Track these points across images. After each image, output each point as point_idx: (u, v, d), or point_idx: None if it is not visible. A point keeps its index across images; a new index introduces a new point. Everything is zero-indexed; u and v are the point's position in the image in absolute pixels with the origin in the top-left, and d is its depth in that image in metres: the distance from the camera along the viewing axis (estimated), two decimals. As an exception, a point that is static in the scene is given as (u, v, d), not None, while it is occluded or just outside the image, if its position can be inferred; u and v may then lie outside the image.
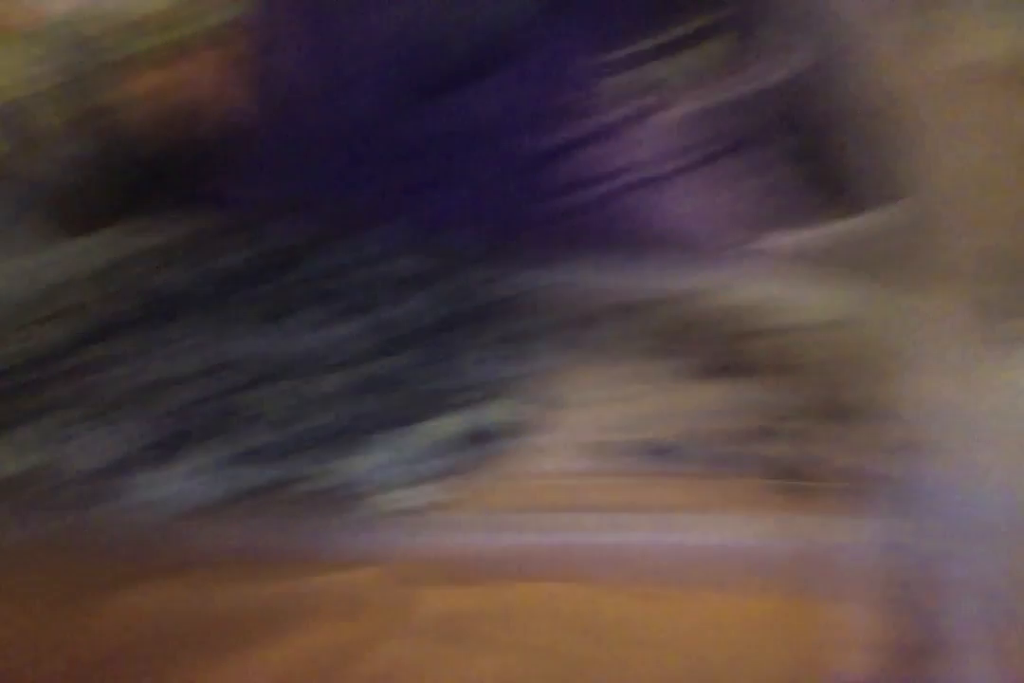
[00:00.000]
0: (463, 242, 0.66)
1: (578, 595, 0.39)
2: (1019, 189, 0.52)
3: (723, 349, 0.59)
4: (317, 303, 0.58)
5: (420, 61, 0.69)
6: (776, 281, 0.67)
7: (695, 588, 0.41)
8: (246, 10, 0.73)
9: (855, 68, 0.60)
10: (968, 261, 0.49)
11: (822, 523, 0.44)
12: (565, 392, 0.53)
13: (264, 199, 0.78)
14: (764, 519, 0.43)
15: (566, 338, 0.58)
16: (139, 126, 0.83)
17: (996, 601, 0.38)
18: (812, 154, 0.64)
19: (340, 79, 0.68)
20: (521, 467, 0.48)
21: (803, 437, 0.51)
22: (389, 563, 0.40)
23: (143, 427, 0.46)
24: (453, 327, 0.58)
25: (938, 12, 0.57)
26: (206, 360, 0.52)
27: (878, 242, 0.55)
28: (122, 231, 0.66)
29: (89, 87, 0.81)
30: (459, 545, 0.42)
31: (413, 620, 0.38)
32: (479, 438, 0.49)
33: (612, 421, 0.51)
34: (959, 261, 0.49)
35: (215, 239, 0.65)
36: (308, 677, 0.36)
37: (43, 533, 0.41)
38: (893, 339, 0.50)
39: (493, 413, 0.51)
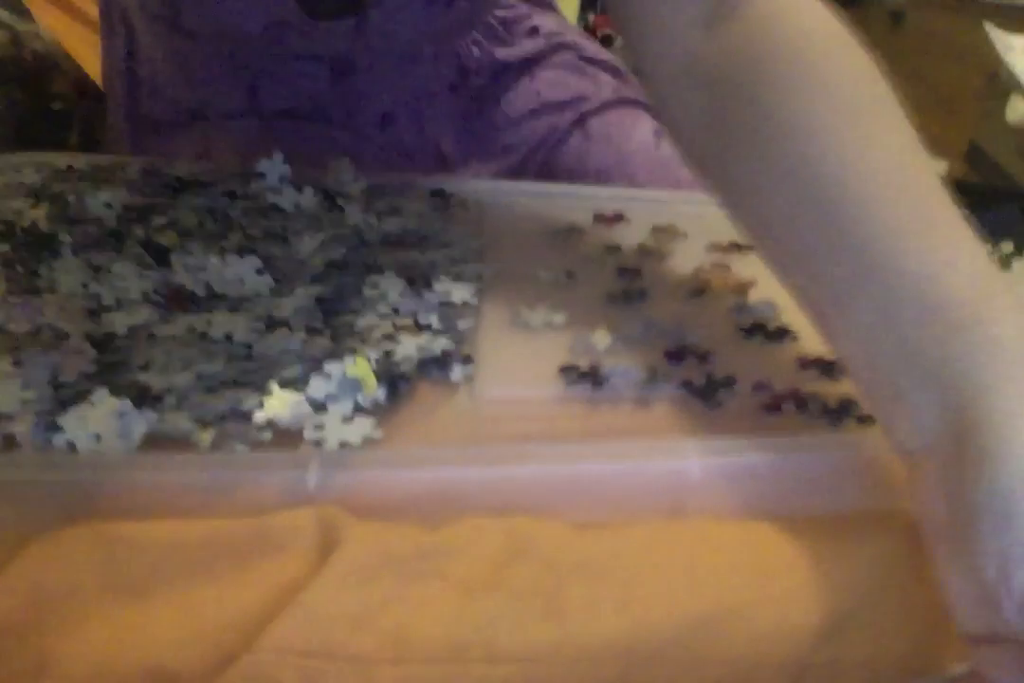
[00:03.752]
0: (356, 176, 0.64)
1: (522, 527, 0.39)
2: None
3: (634, 274, 0.58)
4: (205, 239, 0.55)
5: None
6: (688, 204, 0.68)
7: (639, 517, 0.40)
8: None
9: None
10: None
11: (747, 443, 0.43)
12: (480, 323, 0.52)
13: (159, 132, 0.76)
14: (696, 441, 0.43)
15: (474, 269, 0.57)
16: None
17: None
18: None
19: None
20: (450, 399, 0.47)
21: (714, 356, 0.50)
22: (324, 502, 0.39)
23: (45, 369, 0.45)
24: (349, 264, 0.55)
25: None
26: (95, 300, 0.51)
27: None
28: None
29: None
30: (396, 480, 0.41)
31: (350, 556, 0.37)
32: (395, 373, 0.47)
33: (537, 350, 0.50)
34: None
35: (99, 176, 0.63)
36: (240, 620, 0.35)
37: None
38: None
39: (406, 348, 0.48)
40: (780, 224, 0.43)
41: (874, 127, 0.42)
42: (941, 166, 1.43)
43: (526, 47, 0.82)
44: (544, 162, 0.81)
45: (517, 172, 0.81)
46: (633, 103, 0.83)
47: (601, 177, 0.80)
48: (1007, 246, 1.06)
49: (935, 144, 0.41)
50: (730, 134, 0.46)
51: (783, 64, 0.44)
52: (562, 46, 0.84)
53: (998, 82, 1.83)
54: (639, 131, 0.81)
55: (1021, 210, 1.21)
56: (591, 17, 2.12)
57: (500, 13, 0.81)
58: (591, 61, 0.84)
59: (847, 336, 0.40)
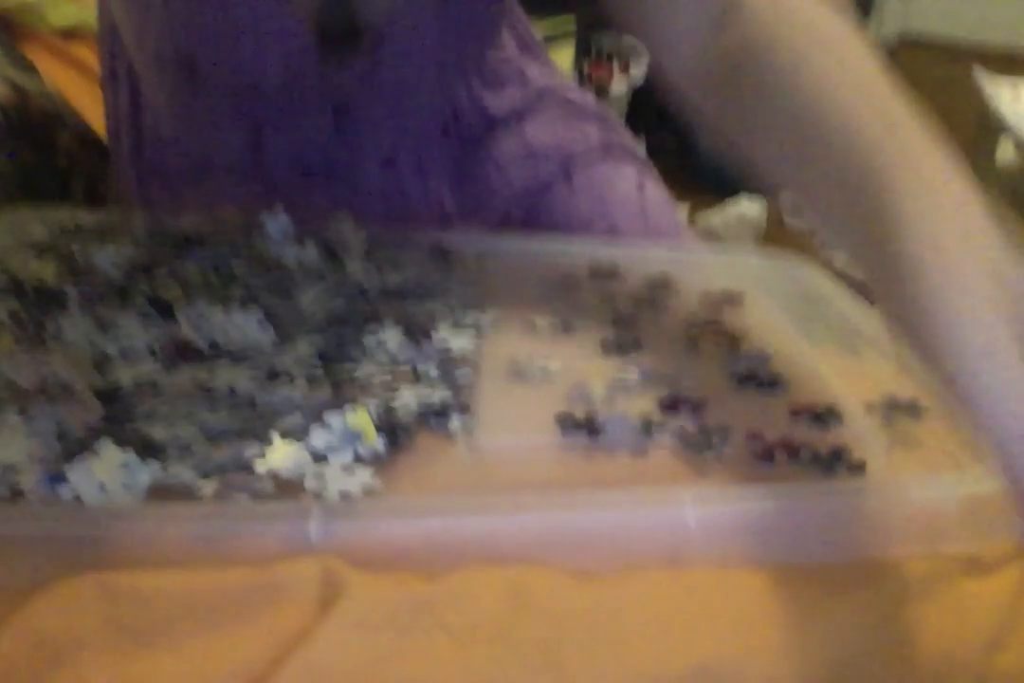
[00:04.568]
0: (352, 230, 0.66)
1: (521, 576, 0.39)
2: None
3: (629, 324, 0.59)
4: (209, 295, 0.57)
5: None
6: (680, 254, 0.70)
7: (636, 564, 0.40)
8: None
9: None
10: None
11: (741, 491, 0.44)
12: (478, 373, 0.53)
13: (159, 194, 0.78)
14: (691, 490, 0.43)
15: (472, 319, 0.58)
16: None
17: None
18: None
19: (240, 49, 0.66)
20: (449, 449, 0.47)
21: (708, 406, 0.50)
22: (325, 552, 0.40)
23: (51, 422, 0.46)
24: (349, 316, 0.56)
25: None
26: (100, 353, 0.52)
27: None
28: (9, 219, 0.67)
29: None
30: (396, 530, 0.41)
31: (352, 609, 0.37)
32: (394, 423, 0.48)
33: (534, 399, 0.51)
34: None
35: (105, 232, 0.65)
36: (243, 671, 0.36)
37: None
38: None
39: (405, 398, 0.49)
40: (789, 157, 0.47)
41: (873, 87, 0.45)
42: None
43: (515, 96, 0.84)
44: (528, 210, 0.83)
45: (502, 221, 0.83)
46: (618, 152, 0.85)
47: (584, 226, 0.81)
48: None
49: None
50: (746, 117, 0.50)
51: (791, 50, 0.48)
52: (550, 96, 0.85)
53: (987, 124, 1.87)
54: (622, 181, 0.83)
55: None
56: (586, 65, 2.15)
57: (491, 58, 0.83)
58: (578, 111, 0.86)
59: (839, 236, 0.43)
